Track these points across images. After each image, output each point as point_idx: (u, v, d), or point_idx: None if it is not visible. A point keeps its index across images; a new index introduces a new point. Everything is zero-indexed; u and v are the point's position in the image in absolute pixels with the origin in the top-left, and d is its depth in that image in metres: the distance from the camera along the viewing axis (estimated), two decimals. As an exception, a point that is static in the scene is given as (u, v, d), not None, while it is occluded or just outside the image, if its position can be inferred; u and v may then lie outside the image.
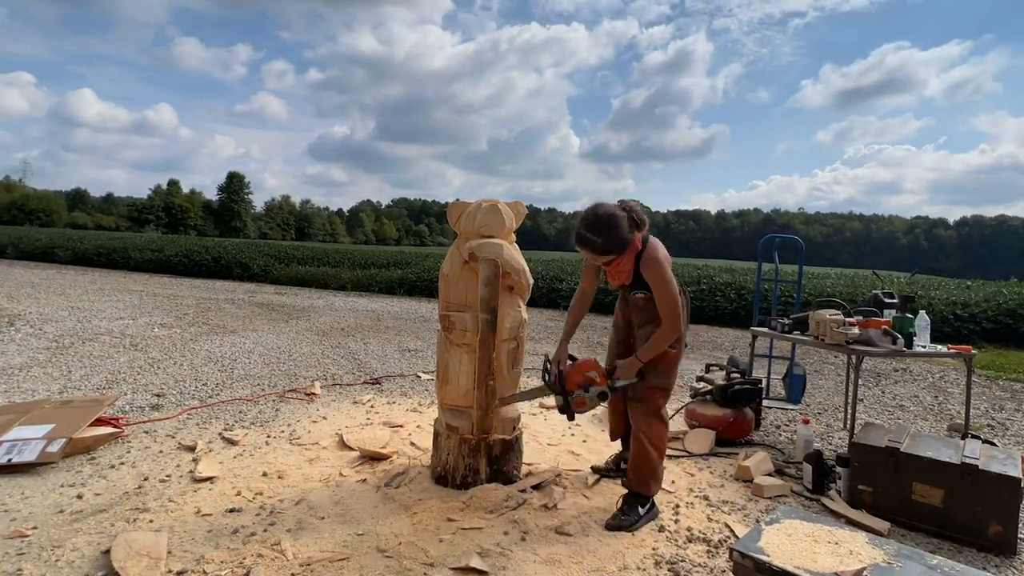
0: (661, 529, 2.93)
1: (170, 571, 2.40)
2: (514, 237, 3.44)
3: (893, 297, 4.47)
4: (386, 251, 23.36)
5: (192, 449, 3.76)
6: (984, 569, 2.69)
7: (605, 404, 3.12)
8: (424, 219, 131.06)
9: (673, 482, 3.51)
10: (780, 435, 4.59)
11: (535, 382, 6.04)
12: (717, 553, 2.72)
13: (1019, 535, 2.92)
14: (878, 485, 3.16)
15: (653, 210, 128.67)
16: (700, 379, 4.80)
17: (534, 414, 4.86)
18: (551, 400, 5.25)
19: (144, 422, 4.27)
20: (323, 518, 2.89)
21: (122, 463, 3.50)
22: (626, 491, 3.07)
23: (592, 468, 3.65)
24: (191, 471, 3.41)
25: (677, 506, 3.20)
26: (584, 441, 4.22)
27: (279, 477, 3.37)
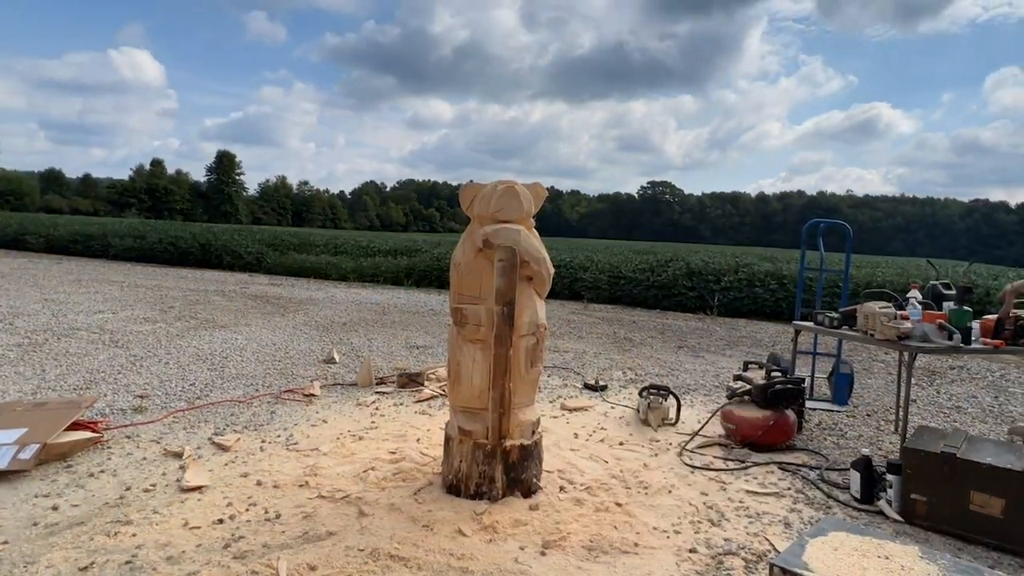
0: (696, 545, 2.93)
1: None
2: (533, 222, 3.43)
3: (951, 288, 4.42)
4: (392, 238, 23.43)
5: (179, 455, 3.79)
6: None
7: None
8: (434, 202, 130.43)
9: (706, 493, 3.52)
10: (824, 439, 4.56)
11: (555, 382, 6.04)
12: (756, 568, 2.71)
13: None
14: (933, 494, 3.13)
15: (686, 192, 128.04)
16: (738, 378, 4.77)
17: (555, 417, 4.87)
18: (573, 402, 5.28)
19: (126, 426, 4.31)
20: (323, 531, 2.91)
21: (102, 471, 3.54)
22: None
23: None
24: (178, 480, 3.43)
25: (712, 518, 3.20)
26: (610, 447, 4.22)
27: (275, 486, 3.39)
